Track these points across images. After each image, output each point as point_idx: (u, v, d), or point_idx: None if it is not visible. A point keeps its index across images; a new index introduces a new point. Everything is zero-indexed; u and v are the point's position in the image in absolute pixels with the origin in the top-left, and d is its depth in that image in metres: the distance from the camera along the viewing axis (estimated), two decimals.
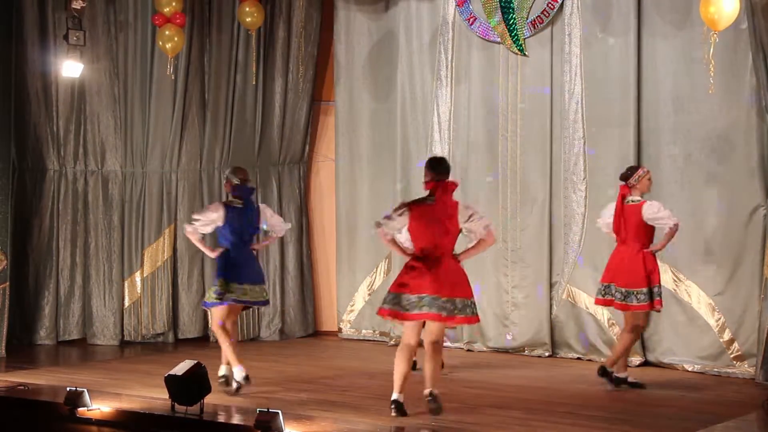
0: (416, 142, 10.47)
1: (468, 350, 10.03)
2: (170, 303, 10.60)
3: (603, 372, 8.10)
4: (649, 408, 7.41)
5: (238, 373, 7.75)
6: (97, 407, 7.02)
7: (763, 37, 7.69)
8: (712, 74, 8.25)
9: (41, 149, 10.35)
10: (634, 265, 7.91)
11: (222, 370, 7.94)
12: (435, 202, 7.00)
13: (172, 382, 6.79)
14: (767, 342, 8.03)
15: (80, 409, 6.97)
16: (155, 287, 10.55)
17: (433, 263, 6.86)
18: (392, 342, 10.37)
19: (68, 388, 7.11)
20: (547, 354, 9.61)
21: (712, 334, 8.78)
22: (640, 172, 8.11)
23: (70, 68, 9.85)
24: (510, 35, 9.80)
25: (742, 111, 8.62)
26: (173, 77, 10.29)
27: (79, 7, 9.69)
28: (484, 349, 9.93)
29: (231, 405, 7.31)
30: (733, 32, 8.21)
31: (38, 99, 10.26)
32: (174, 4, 9.89)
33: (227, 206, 7.99)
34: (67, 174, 10.45)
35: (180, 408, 6.79)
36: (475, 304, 6.95)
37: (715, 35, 7.91)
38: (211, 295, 7.90)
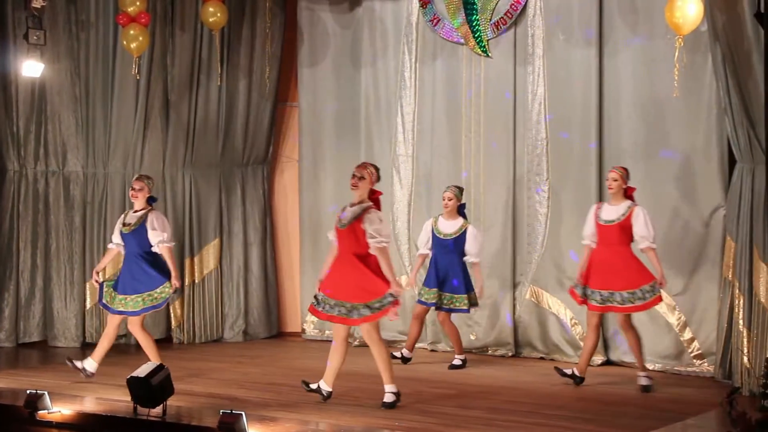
0: (380, 143, 10.49)
1: (432, 350, 10.06)
2: None
3: (578, 379, 8.23)
4: (610, 407, 7.47)
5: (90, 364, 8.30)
6: (58, 410, 6.98)
7: (721, 40, 7.78)
8: (676, 77, 8.32)
9: (1, 150, 10.24)
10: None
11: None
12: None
13: (134, 384, 6.75)
14: (726, 341, 8.12)
15: (41, 412, 6.93)
16: None
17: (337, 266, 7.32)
18: (356, 342, 10.38)
19: (28, 391, 7.05)
20: (510, 354, 9.65)
21: (673, 334, 8.87)
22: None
23: (30, 68, 9.74)
24: (473, 36, 9.84)
25: (702, 112, 8.71)
26: (137, 77, 10.22)
27: (39, 6, 9.58)
28: (448, 349, 9.95)
29: (194, 407, 7.27)
30: (693, 35, 8.29)
31: None
32: (138, 3, 9.82)
33: None
34: (27, 175, 10.35)
35: (142, 410, 6.76)
36: (371, 305, 7.16)
37: (680, 39, 7.99)
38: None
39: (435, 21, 10.05)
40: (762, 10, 7.04)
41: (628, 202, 8.16)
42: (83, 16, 10.39)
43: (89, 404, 7.27)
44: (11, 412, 7.15)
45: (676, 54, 8.16)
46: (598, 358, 9.14)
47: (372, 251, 7.18)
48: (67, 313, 10.37)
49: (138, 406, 6.78)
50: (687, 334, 8.80)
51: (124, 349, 10.25)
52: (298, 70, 11.02)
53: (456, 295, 9.01)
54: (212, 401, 7.42)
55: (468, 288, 9.00)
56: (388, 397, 7.30)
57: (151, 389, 6.68)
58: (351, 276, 7.22)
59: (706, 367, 8.63)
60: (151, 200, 8.48)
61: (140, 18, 9.84)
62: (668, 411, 7.28)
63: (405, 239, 10.31)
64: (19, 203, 10.30)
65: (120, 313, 8.31)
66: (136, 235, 8.30)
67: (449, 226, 9.06)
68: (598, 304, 8.05)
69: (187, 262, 10.68)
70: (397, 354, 9.26)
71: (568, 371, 8.27)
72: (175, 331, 10.68)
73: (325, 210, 10.75)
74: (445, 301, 9.04)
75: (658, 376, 8.69)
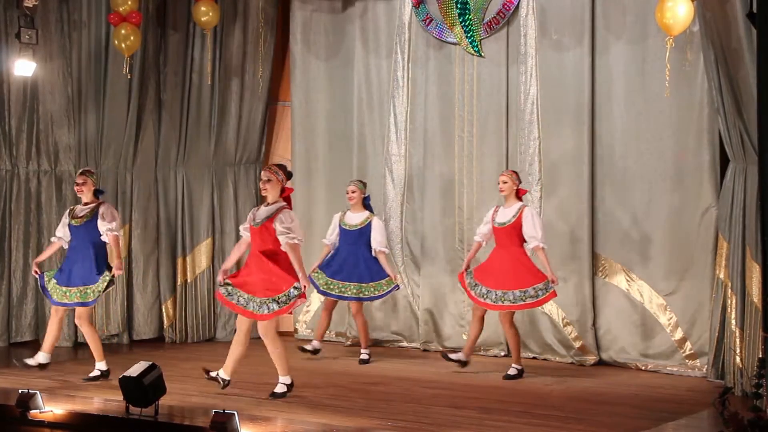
0: (372, 142, 10.49)
1: (424, 350, 10.06)
2: (125, 304, 10.52)
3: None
4: (602, 407, 7.48)
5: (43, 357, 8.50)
6: (50, 409, 6.96)
7: (714, 40, 7.79)
8: (667, 77, 8.35)
9: None
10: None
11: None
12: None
13: (126, 383, 6.74)
14: (718, 341, 8.13)
15: (32, 412, 6.91)
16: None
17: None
18: (348, 342, 10.39)
19: (20, 390, 7.03)
20: (502, 353, 9.66)
21: (665, 334, 8.89)
22: None
23: (22, 67, 9.72)
24: (466, 36, 9.85)
25: (694, 112, 8.73)
26: (129, 76, 10.20)
27: (31, 5, 9.57)
28: (441, 348, 9.96)
29: (186, 406, 7.27)
30: (685, 35, 8.31)
31: None
32: (130, 2, 9.81)
33: None
34: (19, 174, 10.32)
35: (135, 410, 6.74)
36: (276, 300, 7.43)
37: (671, 39, 8.02)
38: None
39: (427, 21, 10.05)
40: (754, 10, 7.05)
41: (519, 204, 8.56)
42: (75, 16, 10.37)
43: (81, 404, 7.26)
44: (3, 411, 7.13)
45: (667, 54, 8.18)
46: (591, 358, 9.16)
47: (283, 248, 7.47)
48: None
49: (130, 405, 6.77)
50: (679, 334, 8.82)
51: (116, 348, 10.24)
52: (291, 70, 11.01)
53: (364, 284, 9.29)
54: (204, 401, 7.42)
55: (372, 277, 9.29)
56: (280, 388, 7.66)
57: (143, 389, 6.67)
58: (262, 272, 7.52)
59: (698, 367, 8.65)
60: (98, 193, 8.62)
61: (131, 17, 9.83)
62: (660, 411, 7.29)
63: (398, 239, 10.31)
64: (11, 202, 10.27)
65: (61, 304, 8.42)
66: (88, 226, 8.43)
67: (355, 218, 9.43)
68: (492, 303, 8.43)
69: (179, 261, 10.67)
70: (308, 347, 9.52)
71: (454, 356, 8.69)
72: (168, 330, 10.67)
73: (317, 209, 10.74)
74: (352, 291, 9.30)
75: (650, 376, 8.72)
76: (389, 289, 9.35)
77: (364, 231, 9.35)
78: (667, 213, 8.90)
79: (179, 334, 10.66)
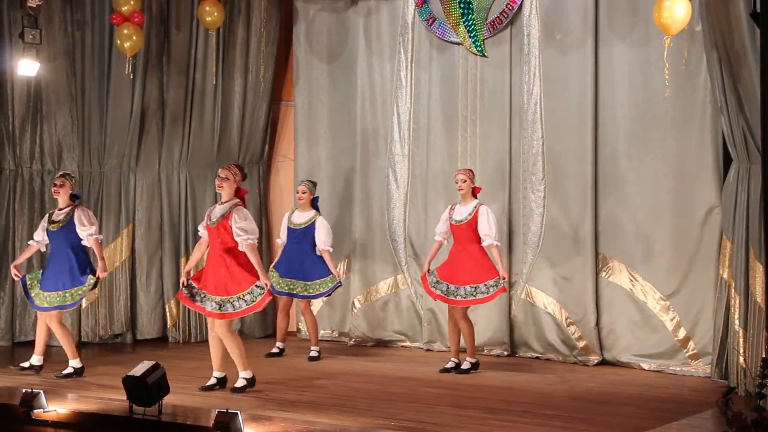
0: (376, 142, 10.49)
1: (427, 350, 10.06)
2: (128, 303, 10.53)
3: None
4: (606, 407, 7.48)
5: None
6: (54, 409, 6.96)
7: (717, 39, 7.78)
8: (667, 76, 8.36)
9: None
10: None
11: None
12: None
13: (130, 383, 6.75)
14: (722, 341, 8.12)
15: (36, 411, 6.91)
16: (113, 288, 10.47)
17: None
18: (351, 342, 10.39)
19: (24, 390, 7.04)
20: (506, 353, 9.66)
21: (668, 333, 8.88)
22: None
23: (26, 67, 9.73)
24: (469, 36, 9.85)
25: (697, 112, 8.72)
26: (132, 76, 10.21)
27: (35, 5, 9.58)
28: (444, 348, 9.96)
29: (189, 406, 7.27)
30: (688, 34, 8.31)
31: None
32: (132, 2, 9.82)
33: None
34: (23, 173, 10.34)
35: (138, 409, 6.75)
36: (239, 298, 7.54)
37: (669, 38, 8.03)
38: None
39: (431, 20, 10.05)
40: (758, 10, 7.05)
41: (475, 202, 8.73)
42: (79, 15, 10.38)
43: (85, 403, 7.26)
44: (7, 411, 7.13)
45: (665, 53, 8.18)
46: (594, 358, 9.15)
47: (241, 248, 7.57)
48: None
49: (134, 405, 6.77)
50: (682, 334, 8.81)
51: (120, 348, 10.25)
52: (294, 70, 11.01)
53: (309, 282, 9.41)
54: (208, 400, 7.42)
55: (321, 274, 9.41)
56: (240, 383, 7.77)
57: (146, 388, 6.68)
58: (221, 271, 7.61)
59: (702, 367, 8.64)
60: (74, 197, 8.69)
61: (134, 17, 9.84)
62: (664, 411, 7.29)
63: (401, 239, 10.31)
64: (15, 202, 10.28)
65: (41, 309, 8.55)
66: (65, 230, 8.52)
67: (301, 217, 9.60)
68: (442, 294, 8.65)
69: (182, 261, 10.67)
70: (274, 350, 9.63)
71: (449, 365, 8.78)
72: (171, 330, 10.68)
73: (320, 209, 10.72)
74: (299, 289, 9.41)
75: (654, 376, 8.71)
76: (333, 285, 9.46)
77: (308, 230, 9.49)
78: (671, 213, 8.89)
79: (182, 333, 10.67)
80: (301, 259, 9.44)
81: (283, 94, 11.24)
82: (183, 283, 7.78)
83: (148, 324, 10.67)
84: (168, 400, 6.85)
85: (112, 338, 10.48)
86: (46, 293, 8.52)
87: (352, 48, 10.64)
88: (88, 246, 8.65)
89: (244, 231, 7.55)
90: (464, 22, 9.86)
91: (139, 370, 6.77)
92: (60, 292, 8.49)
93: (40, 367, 8.66)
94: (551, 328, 9.45)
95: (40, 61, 9.81)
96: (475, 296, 8.58)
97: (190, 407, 7.22)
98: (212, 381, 7.89)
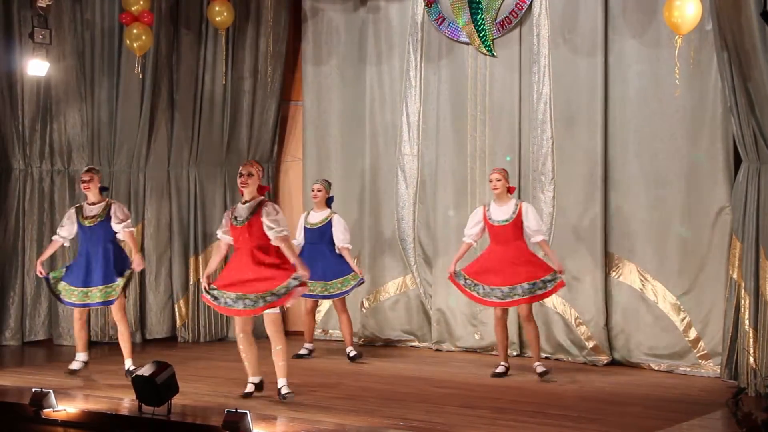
0: (385, 142, 10.49)
1: (436, 350, 10.05)
2: (137, 303, 10.55)
3: None
4: (615, 407, 7.46)
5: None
6: (63, 408, 6.98)
7: (727, 39, 7.76)
8: (677, 76, 8.34)
9: (6, 148, 10.26)
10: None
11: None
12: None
13: (139, 382, 6.75)
14: (732, 341, 8.10)
15: (46, 410, 6.93)
16: None
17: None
18: (360, 342, 10.39)
19: (34, 389, 7.05)
20: (515, 353, 9.64)
21: (678, 334, 8.86)
22: None
23: (35, 67, 9.76)
24: (478, 35, 9.83)
25: (708, 112, 8.69)
26: (141, 76, 10.23)
27: (44, 5, 9.61)
28: (453, 348, 9.96)
29: (198, 405, 7.28)
30: (698, 34, 8.29)
31: (3, 98, 10.17)
32: (142, 2, 9.83)
33: None
34: (33, 173, 10.37)
35: (147, 409, 6.76)
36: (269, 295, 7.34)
37: (679, 38, 8.01)
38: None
39: (440, 20, 10.04)
40: None
41: (514, 200, 8.57)
42: (88, 15, 10.40)
43: (94, 402, 7.28)
44: (16, 410, 7.16)
45: (676, 53, 8.16)
46: (603, 358, 9.13)
47: (273, 242, 7.36)
48: (72, 312, 10.35)
49: (143, 404, 6.78)
50: (692, 334, 8.79)
51: None
52: (303, 69, 11.02)
53: (328, 282, 9.31)
54: (217, 400, 7.43)
55: (341, 272, 9.32)
56: (285, 390, 7.53)
57: (156, 388, 6.68)
58: (253, 269, 7.37)
59: (711, 367, 8.62)
60: (103, 190, 8.69)
61: (143, 17, 9.85)
62: (673, 411, 7.27)
63: (410, 239, 10.31)
64: (24, 202, 10.31)
65: (82, 305, 8.47)
66: (102, 225, 8.48)
67: (317, 217, 9.50)
68: (499, 300, 8.39)
69: (192, 260, 10.69)
70: (302, 351, 9.53)
71: (498, 371, 8.59)
72: (180, 329, 10.69)
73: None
74: (318, 289, 9.30)
75: (664, 376, 8.69)
76: (355, 283, 9.37)
77: (325, 229, 9.40)
78: (681, 213, 8.86)
79: (192, 333, 10.68)
80: (319, 258, 9.28)
81: (292, 94, 11.24)
82: (205, 288, 7.51)
83: (157, 324, 10.68)
84: (177, 399, 6.86)
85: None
86: (83, 289, 8.42)
87: (362, 47, 10.63)
88: (122, 240, 8.63)
89: (276, 223, 7.32)
90: (473, 22, 9.84)
91: (148, 369, 6.77)
92: (100, 288, 8.40)
93: (86, 362, 8.63)
94: (561, 329, 9.43)
95: (49, 61, 9.84)
96: (533, 293, 8.34)
97: (199, 407, 7.23)
98: (249, 388, 7.60)
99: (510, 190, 8.62)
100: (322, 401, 7.49)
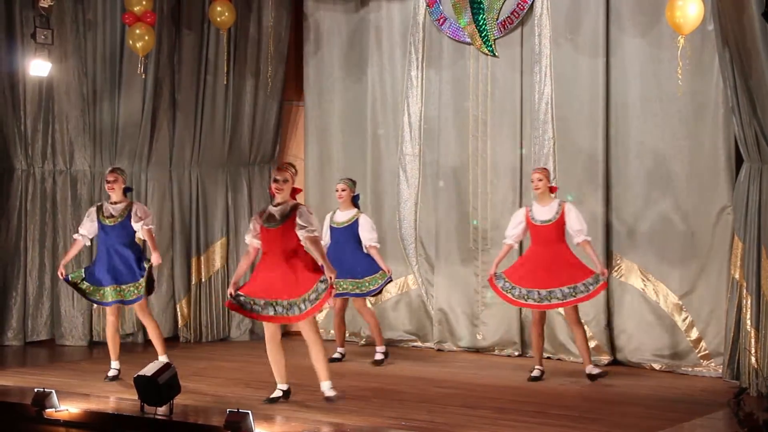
0: (386, 142, 10.49)
1: (438, 350, 10.06)
2: None
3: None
4: (617, 407, 7.46)
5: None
6: (66, 408, 6.98)
7: (728, 39, 7.76)
8: (680, 76, 8.34)
9: (8, 149, 10.27)
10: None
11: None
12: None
13: (141, 382, 6.76)
14: (733, 341, 8.10)
15: (48, 410, 6.93)
16: None
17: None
18: (363, 342, 10.39)
19: (36, 389, 7.07)
20: (516, 353, 9.65)
21: (680, 334, 8.86)
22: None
23: (37, 67, 9.78)
24: (480, 36, 9.84)
25: (709, 112, 8.70)
26: (143, 76, 10.24)
27: (47, 6, 9.63)
28: (455, 348, 9.97)
29: (201, 405, 7.29)
30: (700, 34, 8.29)
31: (5, 98, 10.18)
32: (144, 2, 9.85)
33: None
34: (35, 174, 10.38)
35: (149, 409, 6.76)
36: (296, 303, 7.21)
37: (681, 38, 8.01)
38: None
39: (441, 20, 10.05)
40: None
41: (556, 200, 8.42)
42: (90, 15, 10.42)
43: (96, 402, 7.28)
44: (19, 410, 7.17)
45: (679, 53, 8.16)
46: (605, 358, 9.13)
47: (303, 242, 7.26)
48: (75, 312, 10.39)
49: (145, 404, 6.79)
50: (694, 334, 8.79)
51: (131, 347, 10.27)
52: (305, 70, 11.02)
53: (358, 280, 9.19)
54: (219, 400, 7.43)
55: (370, 271, 9.19)
56: (330, 393, 7.42)
57: (158, 388, 6.69)
58: (285, 273, 7.24)
59: (713, 367, 8.62)
60: (127, 190, 8.67)
61: (146, 17, 9.87)
62: (675, 411, 7.27)
63: (412, 239, 10.31)
64: (26, 202, 10.33)
65: (118, 302, 8.43)
66: (123, 224, 8.46)
67: (343, 216, 9.37)
68: (536, 303, 8.25)
69: (193, 261, 10.70)
70: (336, 355, 9.40)
71: (534, 374, 8.44)
72: (182, 329, 10.70)
73: (330, 209, 10.73)
74: (350, 288, 9.20)
75: (665, 376, 8.69)
76: (383, 281, 9.27)
77: (352, 228, 9.30)
78: (683, 212, 8.87)
79: (194, 333, 10.69)
80: (346, 257, 9.17)
81: (293, 94, 11.25)
82: (230, 294, 7.32)
83: (159, 324, 10.66)
84: (179, 399, 6.86)
85: (123, 338, 10.48)
86: (115, 287, 8.38)
87: (363, 48, 10.64)
88: (141, 238, 8.64)
89: (309, 223, 7.22)
90: (475, 22, 9.85)
91: (150, 369, 6.78)
92: (127, 285, 8.39)
93: (118, 371, 8.53)
94: (563, 328, 9.43)
95: (51, 62, 9.86)
96: (575, 296, 8.18)
97: (201, 407, 7.24)
98: (277, 393, 7.47)
99: (552, 190, 8.44)
100: (322, 401, 7.49)
